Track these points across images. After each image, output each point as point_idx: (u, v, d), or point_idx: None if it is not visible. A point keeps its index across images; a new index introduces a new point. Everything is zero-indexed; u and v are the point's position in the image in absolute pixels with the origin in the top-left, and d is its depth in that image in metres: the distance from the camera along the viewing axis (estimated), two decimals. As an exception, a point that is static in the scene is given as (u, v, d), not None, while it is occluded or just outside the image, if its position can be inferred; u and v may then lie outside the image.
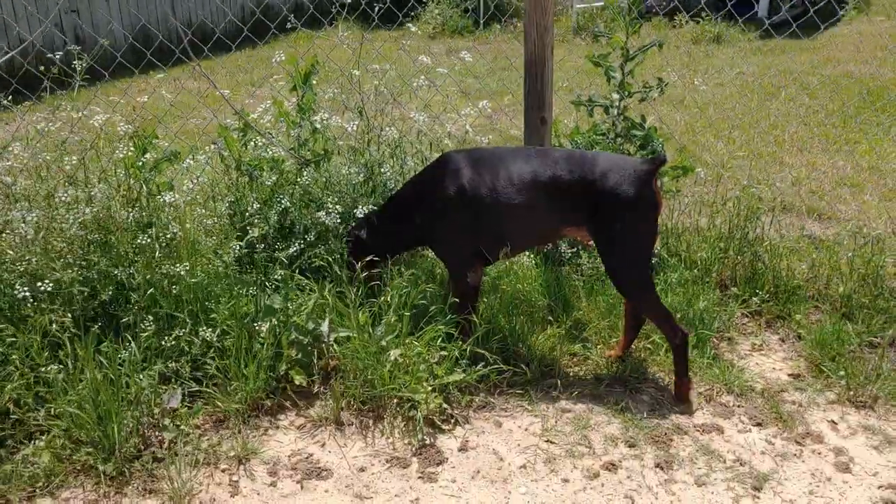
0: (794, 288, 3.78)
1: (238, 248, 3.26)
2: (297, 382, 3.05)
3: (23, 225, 2.98)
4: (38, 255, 2.93)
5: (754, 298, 3.70)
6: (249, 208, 3.40)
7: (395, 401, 3.04)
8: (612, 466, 2.78)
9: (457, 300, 3.16)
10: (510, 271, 3.63)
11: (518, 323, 3.37)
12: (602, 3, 11.50)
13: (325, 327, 3.05)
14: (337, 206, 3.37)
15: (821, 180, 5.56)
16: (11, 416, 2.76)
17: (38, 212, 2.99)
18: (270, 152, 3.47)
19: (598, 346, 3.41)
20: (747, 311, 3.73)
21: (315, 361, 3.09)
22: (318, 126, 3.44)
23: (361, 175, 3.57)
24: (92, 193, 3.09)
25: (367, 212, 3.35)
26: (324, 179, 3.52)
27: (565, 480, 2.72)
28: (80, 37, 9.60)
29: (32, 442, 2.74)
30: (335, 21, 11.62)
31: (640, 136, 3.78)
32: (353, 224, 3.35)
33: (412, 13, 11.66)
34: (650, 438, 2.92)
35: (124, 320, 3.04)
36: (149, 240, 3.02)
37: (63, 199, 3.00)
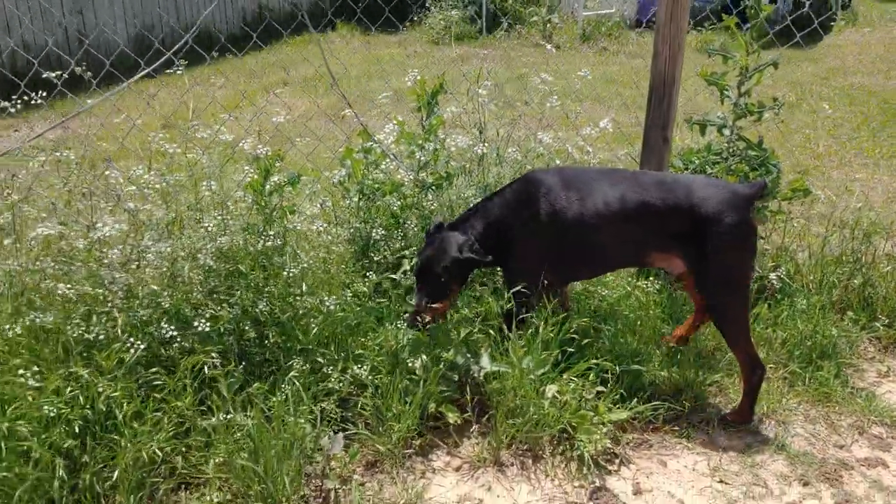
0: (912, 312, 3.74)
1: (372, 277, 3.08)
2: (451, 421, 2.89)
3: (152, 256, 2.77)
4: (174, 290, 2.71)
5: (876, 323, 3.65)
6: (375, 234, 3.22)
7: (554, 439, 2.89)
8: (794, 508, 2.69)
9: (514, 322, 3.03)
10: (631, 295, 3.51)
11: (650, 353, 3.25)
12: (611, 11, 11.50)
13: (485, 361, 2.89)
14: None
15: (870, 195, 5.57)
16: (161, 466, 2.54)
17: (171, 241, 2.77)
18: (390, 175, 3.29)
19: (735, 378, 3.31)
20: (867, 336, 3.68)
21: (468, 398, 2.93)
22: (452, 147, 3.27)
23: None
24: (225, 221, 2.88)
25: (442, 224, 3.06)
26: (447, 203, 3.35)
27: (753, 523, 2.62)
28: (82, 40, 9.21)
29: (187, 492, 2.53)
30: (335, 25, 11.41)
31: (756, 157, 3.70)
32: (439, 241, 3.00)
33: (414, 18, 11.48)
34: (821, 476, 2.84)
35: (258, 359, 2.84)
36: (294, 271, 2.82)
37: (202, 226, 2.78)
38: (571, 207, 2.89)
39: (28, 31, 8.50)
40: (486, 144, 3.33)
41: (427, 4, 11.78)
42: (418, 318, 2.93)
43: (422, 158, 3.34)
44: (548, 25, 10.86)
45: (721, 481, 2.80)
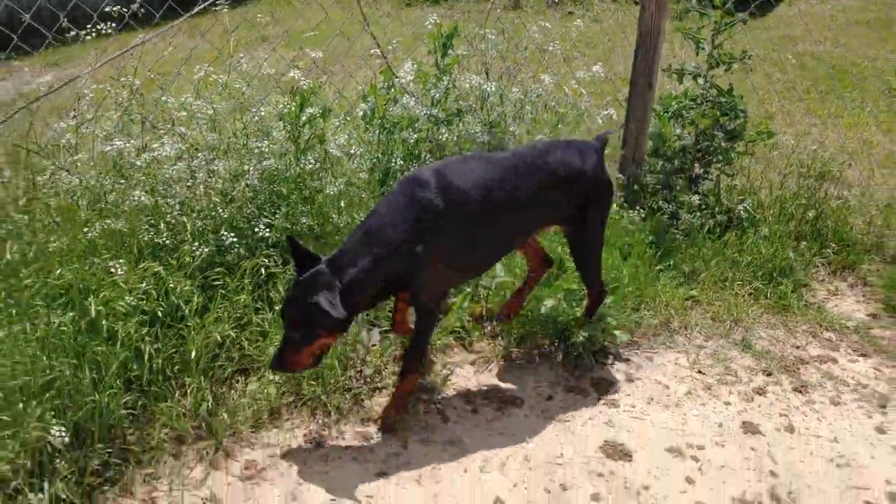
0: (855, 242, 4.27)
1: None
2: (467, 325, 3.31)
3: (204, 174, 3.10)
4: (230, 205, 3.06)
5: (827, 250, 4.17)
6: (393, 164, 3.59)
7: (556, 340, 3.33)
8: (761, 391, 3.19)
9: (421, 333, 2.80)
10: (617, 224, 3.95)
11: (635, 272, 3.70)
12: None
13: (499, 270, 3.31)
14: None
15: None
16: (224, 354, 2.90)
17: (228, 162, 3.11)
18: (409, 111, 3.66)
19: (709, 291, 3.79)
20: (818, 261, 4.20)
21: (482, 305, 3.35)
22: (466, 85, 3.65)
23: (486, 134, 3.80)
24: (268, 147, 3.23)
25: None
26: (455, 137, 3.73)
27: (727, 403, 3.11)
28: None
29: (248, 377, 2.91)
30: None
31: (726, 103, 4.16)
32: (304, 284, 2.53)
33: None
34: (781, 368, 3.34)
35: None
36: (334, 190, 3.19)
37: (252, 148, 3.13)
38: (464, 205, 2.66)
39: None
40: (493, 83, 3.71)
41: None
42: (285, 360, 2.56)
43: (436, 96, 3.72)
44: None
45: (699, 372, 3.29)
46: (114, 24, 2.96)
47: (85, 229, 2.77)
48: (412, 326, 2.87)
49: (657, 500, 2.61)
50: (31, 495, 2.24)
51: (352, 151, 3.48)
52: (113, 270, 2.59)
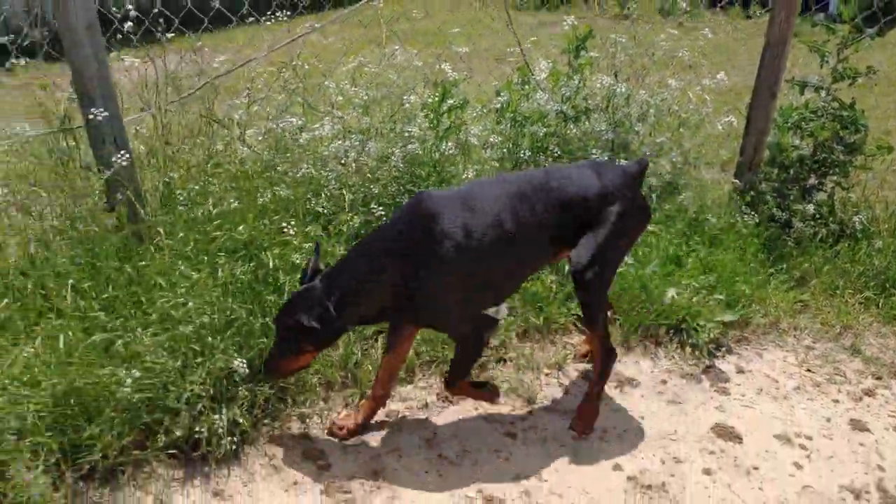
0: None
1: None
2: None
3: (356, 154, 3.42)
4: (377, 182, 3.37)
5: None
6: (522, 155, 3.84)
7: (671, 330, 3.51)
8: (870, 393, 3.30)
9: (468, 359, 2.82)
10: (731, 228, 4.09)
11: (746, 273, 3.84)
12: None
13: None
14: (595, 154, 3.82)
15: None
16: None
17: (377, 144, 3.42)
18: (540, 107, 3.90)
19: (819, 298, 3.90)
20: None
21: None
22: (597, 85, 3.88)
23: (611, 133, 4.01)
24: (410, 132, 3.52)
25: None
26: (580, 133, 3.96)
27: (835, 401, 3.24)
28: None
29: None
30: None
31: (848, 117, 4.25)
32: (295, 296, 2.54)
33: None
34: (891, 374, 3.44)
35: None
36: (468, 175, 3.46)
37: (399, 133, 3.43)
38: (467, 232, 2.52)
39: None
40: (622, 84, 3.93)
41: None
42: (271, 367, 2.59)
43: (566, 93, 3.95)
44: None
45: (808, 370, 3.42)
46: (288, 13, 3.31)
47: (258, 194, 3.12)
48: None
49: (766, 480, 2.77)
50: (213, 416, 2.58)
51: (490, 140, 3.73)
52: (285, 230, 2.92)
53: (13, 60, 2.97)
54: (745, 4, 12.18)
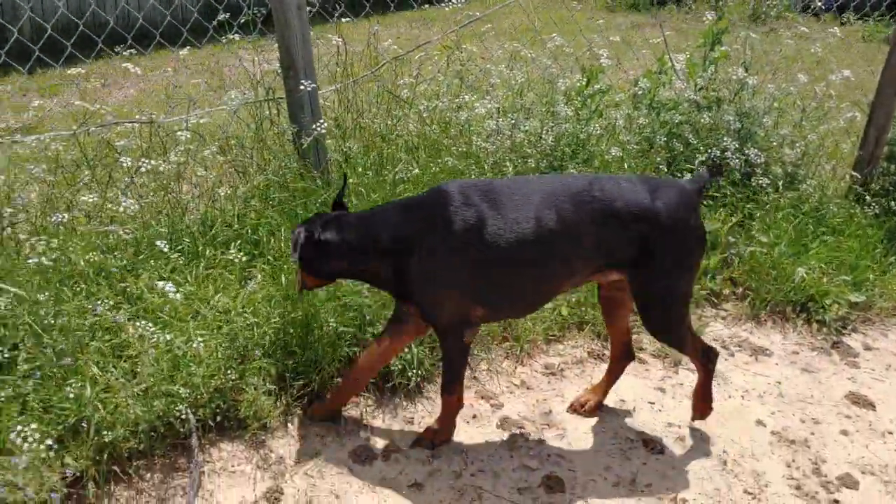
0: None
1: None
2: (718, 288, 3.79)
3: (510, 131, 3.72)
4: (533, 157, 3.67)
5: None
6: (658, 140, 4.10)
7: (798, 306, 3.73)
8: None
9: (446, 358, 2.61)
10: (852, 219, 4.26)
11: (870, 259, 4.02)
12: (779, -7, 11.99)
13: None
14: (726, 142, 4.04)
15: None
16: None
17: (530, 123, 3.72)
18: (676, 94, 4.16)
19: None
20: None
21: (735, 268, 3.81)
22: (733, 77, 4.12)
23: (738, 122, 4.24)
24: (560, 112, 3.81)
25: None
26: (711, 122, 4.19)
27: (965, 379, 3.42)
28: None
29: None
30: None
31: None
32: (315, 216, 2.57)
33: (587, -16, 12.21)
34: None
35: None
36: (611, 155, 3.74)
37: (553, 113, 3.72)
38: (480, 229, 2.39)
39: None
40: (754, 77, 4.16)
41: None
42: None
43: (699, 83, 4.20)
44: (719, 3, 11.42)
45: (934, 351, 3.61)
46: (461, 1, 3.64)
47: (431, 164, 3.45)
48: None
49: (901, 443, 2.99)
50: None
51: (634, 124, 4.01)
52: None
53: (231, 35, 3.34)
54: (841, 10, 12.16)
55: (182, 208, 3.04)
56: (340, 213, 2.56)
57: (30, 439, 2.03)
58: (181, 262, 2.78)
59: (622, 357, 2.93)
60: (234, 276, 2.84)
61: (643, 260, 2.48)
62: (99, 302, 2.39)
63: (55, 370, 2.28)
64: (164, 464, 2.53)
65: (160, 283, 2.44)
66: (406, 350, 2.93)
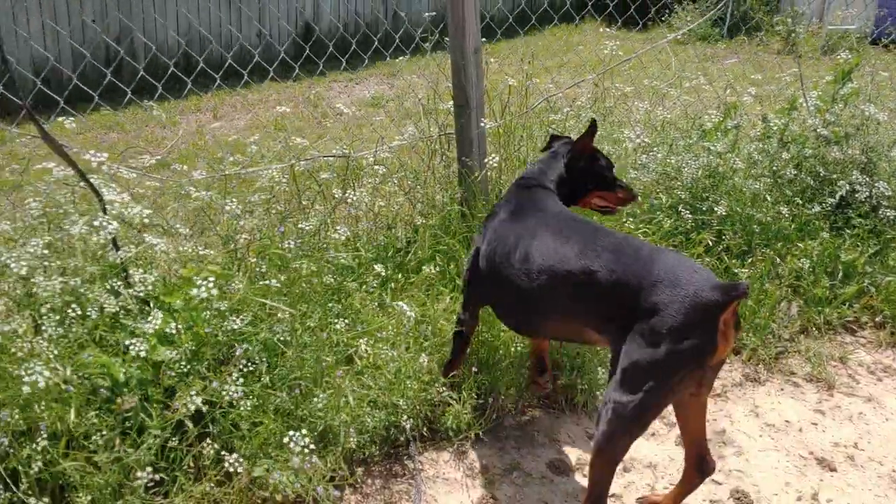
0: None
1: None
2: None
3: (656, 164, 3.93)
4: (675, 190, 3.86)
5: None
6: (787, 174, 4.26)
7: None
8: None
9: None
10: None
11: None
12: (853, 27, 12.10)
13: None
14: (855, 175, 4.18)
15: None
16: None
17: (673, 157, 3.92)
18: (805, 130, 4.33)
19: None
20: None
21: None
22: (867, 113, 4.28)
23: (864, 157, 4.39)
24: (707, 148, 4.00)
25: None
26: (839, 156, 4.35)
27: None
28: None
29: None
30: (584, 19, 12.52)
31: None
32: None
33: (660, 18, 12.46)
34: None
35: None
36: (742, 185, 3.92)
37: (698, 147, 3.92)
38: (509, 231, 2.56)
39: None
40: (882, 113, 4.32)
41: (670, 3, 12.72)
42: None
43: (829, 118, 4.37)
44: (791, 35, 11.57)
45: None
46: (617, 42, 3.88)
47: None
48: None
49: None
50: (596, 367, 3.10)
51: (759, 158, 4.18)
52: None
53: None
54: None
55: (376, 235, 3.30)
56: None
57: (300, 444, 2.24)
58: (399, 284, 3.04)
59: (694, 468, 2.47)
60: (431, 295, 3.06)
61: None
62: (337, 320, 2.62)
63: (304, 382, 2.50)
64: (382, 471, 2.74)
65: (398, 304, 2.67)
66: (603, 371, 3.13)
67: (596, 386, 3.15)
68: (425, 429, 2.86)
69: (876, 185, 4.27)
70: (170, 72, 3.86)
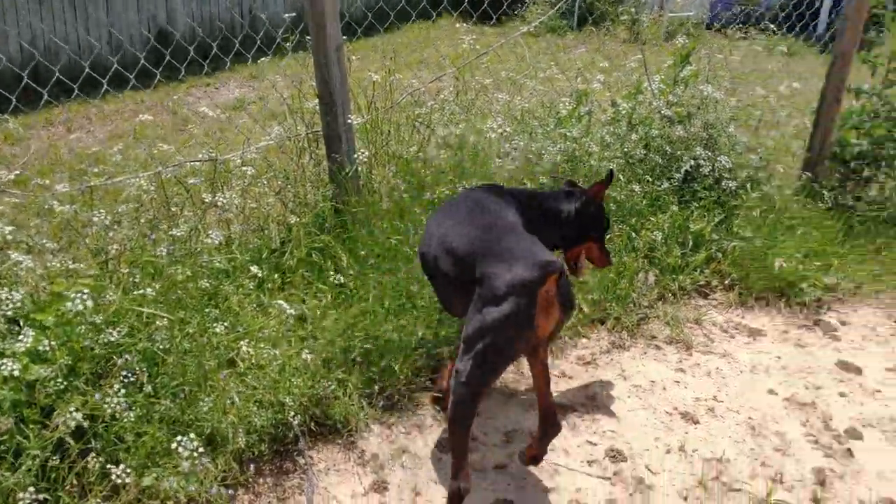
0: None
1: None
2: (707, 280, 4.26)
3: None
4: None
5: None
6: (637, 153, 4.56)
7: (778, 292, 4.23)
8: (952, 335, 4.04)
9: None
10: (809, 213, 4.82)
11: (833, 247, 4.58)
12: (691, 14, 12.89)
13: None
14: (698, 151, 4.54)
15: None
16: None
17: (536, 143, 4.12)
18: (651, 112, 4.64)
19: (892, 266, 4.64)
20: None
21: (724, 263, 4.29)
22: (705, 93, 4.63)
23: (705, 133, 4.75)
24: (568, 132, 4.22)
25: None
26: (683, 134, 4.69)
27: (927, 344, 3.97)
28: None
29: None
30: (441, 15, 12.74)
31: (894, 118, 5.03)
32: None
33: (513, 12, 12.84)
34: (961, 319, 4.19)
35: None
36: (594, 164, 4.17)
37: (558, 133, 4.13)
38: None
39: None
40: (719, 92, 4.68)
41: (522, -1, 13.14)
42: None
43: (672, 99, 4.69)
44: (636, 24, 12.21)
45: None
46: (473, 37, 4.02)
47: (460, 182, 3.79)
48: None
49: (889, 398, 3.48)
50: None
51: (609, 140, 4.46)
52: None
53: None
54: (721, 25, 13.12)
55: (250, 237, 3.30)
56: None
57: (189, 448, 2.25)
58: (276, 284, 3.06)
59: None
60: (305, 294, 3.11)
61: None
62: (216, 324, 2.63)
63: (188, 388, 2.50)
64: (273, 468, 2.77)
65: (278, 303, 2.69)
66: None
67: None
68: (314, 423, 2.90)
69: (718, 159, 4.63)
70: (24, 83, 3.69)
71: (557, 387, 3.38)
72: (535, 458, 2.72)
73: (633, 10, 12.43)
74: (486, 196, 2.84)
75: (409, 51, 10.49)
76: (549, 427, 2.64)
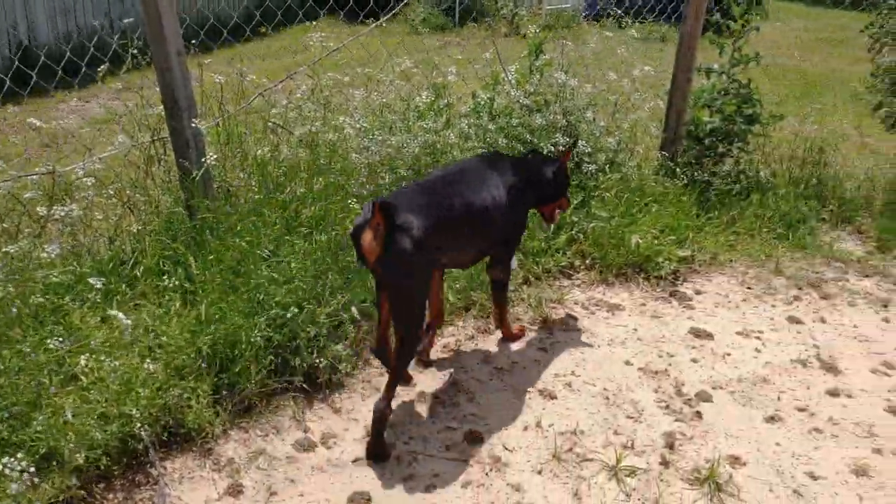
0: (850, 200, 5.43)
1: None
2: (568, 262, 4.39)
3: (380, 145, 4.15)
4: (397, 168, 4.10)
5: (827, 208, 5.32)
6: (500, 142, 4.66)
7: (637, 267, 4.41)
8: (797, 298, 4.29)
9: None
10: (667, 190, 5.03)
11: (688, 221, 4.80)
12: (567, 6, 13.21)
13: (600, 215, 4.38)
14: (557, 138, 4.68)
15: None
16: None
17: (395, 137, 4.15)
18: (510, 102, 4.74)
19: (744, 237, 4.89)
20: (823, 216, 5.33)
21: (582, 245, 4.42)
22: (559, 81, 4.75)
23: (564, 120, 4.89)
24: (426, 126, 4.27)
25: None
26: (543, 122, 4.81)
27: (773, 306, 4.20)
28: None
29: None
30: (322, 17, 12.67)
31: (745, 93, 5.30)
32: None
33: (392, 10, 12.88)
34: (809, 285, 4.45)
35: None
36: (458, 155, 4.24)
37: (418, 127, 4.18)
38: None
39: None
40: (574, 79, 4.82)
41: (404, -4, 13.20)
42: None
43: (529, 89, 4.81)
44: (515, 18, 12.44)
45: (748, 287, 4.38)
46: (322, 34, 4.01)
47: (314, 183, 3.78)
48: None
49: (738, 362, 3.67)
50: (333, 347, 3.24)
51: (472, 131, 4.53)
52: (352, 206, 3.62)
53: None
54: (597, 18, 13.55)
55: (92, 249, 3.21)
56: None
57: (17, 468, 2.19)
58: (117, 296, 2.98)
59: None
60: (155, 303, 3.05)
61: None
62: (50, 340, 2.55)
63: (22, 407, 2.42)
64: (123, 483, 2.71)
65: (113, 313, 2.63)
66: (336, 346, 3.27)
67: (339, 360, 3.29)
68: (167, 433, 2.86)
69: (577, 144, 4.77)
70: None
71: (422, 376, 3.43)
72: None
73: (511, 4, 12.68)
74: (482, 162, 3.34)
75: (281, 55, 10.42)
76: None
